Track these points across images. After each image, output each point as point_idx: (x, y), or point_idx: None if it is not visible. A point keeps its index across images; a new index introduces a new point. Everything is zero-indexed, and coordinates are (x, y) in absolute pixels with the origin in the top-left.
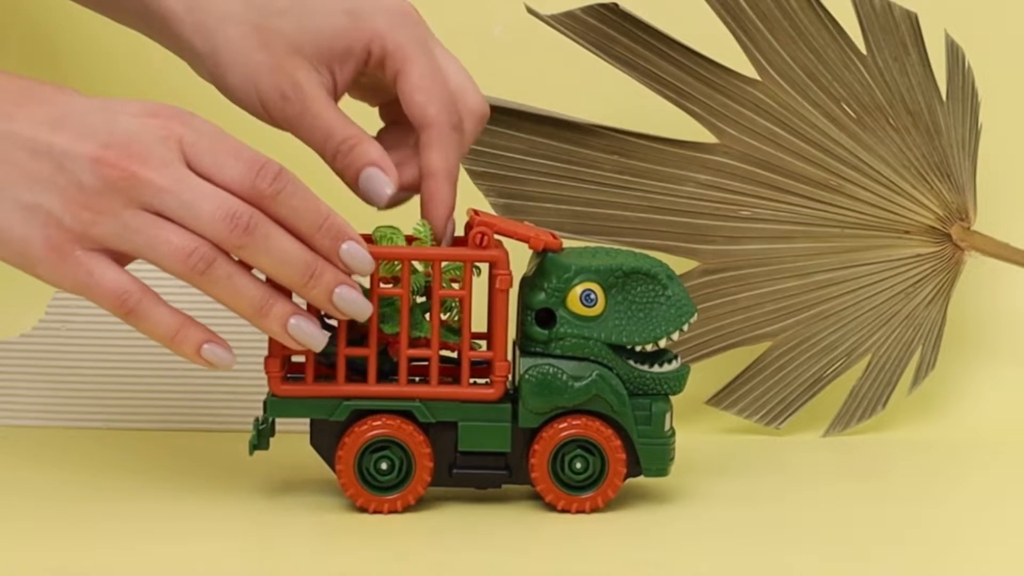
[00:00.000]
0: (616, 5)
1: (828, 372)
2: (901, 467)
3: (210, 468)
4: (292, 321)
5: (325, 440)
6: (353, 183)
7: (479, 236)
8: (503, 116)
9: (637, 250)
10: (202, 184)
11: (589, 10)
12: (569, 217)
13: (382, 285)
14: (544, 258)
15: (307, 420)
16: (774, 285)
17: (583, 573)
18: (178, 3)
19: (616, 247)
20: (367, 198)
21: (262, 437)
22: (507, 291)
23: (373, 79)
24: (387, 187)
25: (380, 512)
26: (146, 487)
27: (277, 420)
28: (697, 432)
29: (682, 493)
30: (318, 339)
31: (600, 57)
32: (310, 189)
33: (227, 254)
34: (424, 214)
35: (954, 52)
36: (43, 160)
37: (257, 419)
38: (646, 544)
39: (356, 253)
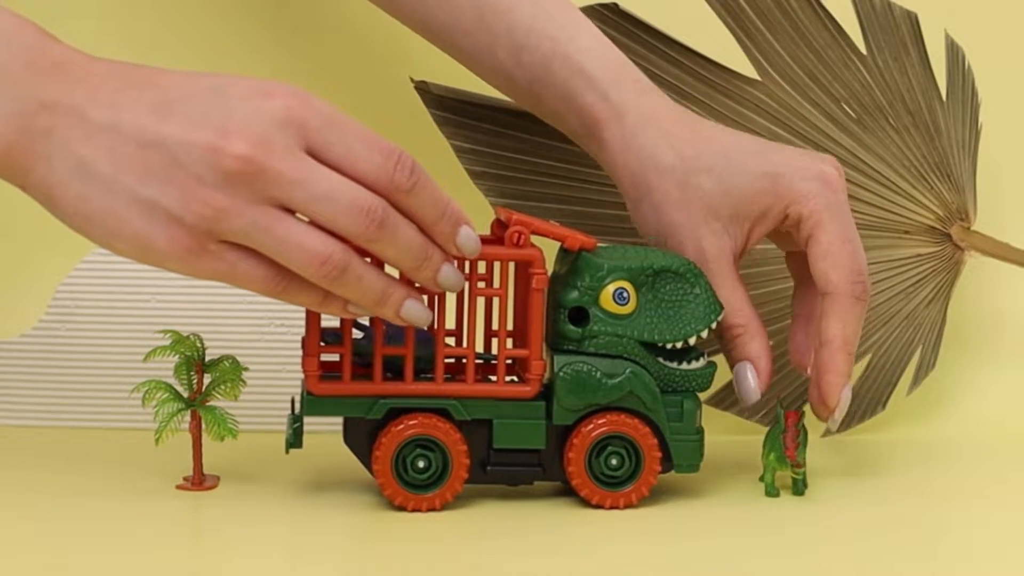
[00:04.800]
0: (616, 5)
1: None
2: (901, 467)
3: (214, 468)
4: (406, 305)
5: (359, 438)
6: (730, 365)
7: (516, 235)
8: (503, 116)
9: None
10: (331, 176)
11: (589, 10)
12: (569, 217)
13: None
14: (577, 257)
15: (326, 419)
16: (774, 285)
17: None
18: (615, 139)
19: (642, 246)
20: (735, 386)
21: (297, 436)
22: (543, 290)
23: (785, 232)
24: (753, 392)
25: (419, 510)
26: (156, 487)
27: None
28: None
29: (681, 493)
30: (426, 316)
31: None
32: (431, 177)
33: (355, 249)
34: (816, 381)
35: (954, 52)
36: (154, 152)
37: (291, 417)
38: (648, 542)
39: (470, 236)
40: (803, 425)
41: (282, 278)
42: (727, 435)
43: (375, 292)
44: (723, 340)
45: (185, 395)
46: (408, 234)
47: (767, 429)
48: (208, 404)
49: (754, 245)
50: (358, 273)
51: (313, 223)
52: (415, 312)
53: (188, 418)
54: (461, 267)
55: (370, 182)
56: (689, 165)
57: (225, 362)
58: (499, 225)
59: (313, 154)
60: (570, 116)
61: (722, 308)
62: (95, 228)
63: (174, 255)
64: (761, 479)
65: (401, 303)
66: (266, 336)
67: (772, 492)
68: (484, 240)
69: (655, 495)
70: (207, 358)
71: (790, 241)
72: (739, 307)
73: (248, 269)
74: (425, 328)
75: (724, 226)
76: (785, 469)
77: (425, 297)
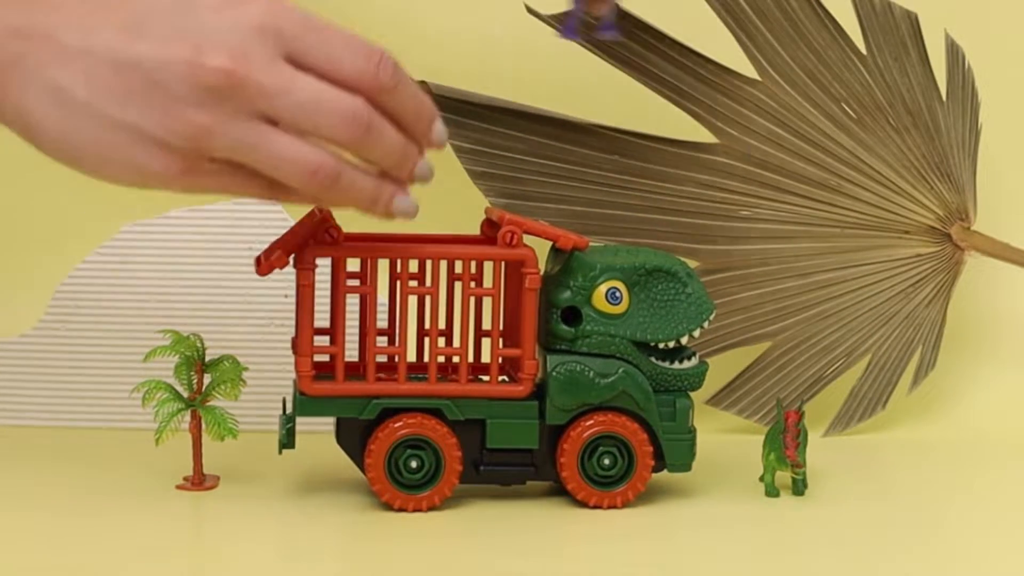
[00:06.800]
0: (616, 5)
1: (828, 372)
2: (901, 467)
3: (214, 468)
4: (396, 201)
5: (351, 439)
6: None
7: (509, 235)
8: (503, 116)
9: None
10: (313, 83)
11: None
12: (569, 217)
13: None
14: (570, 257)
15: (319, 419)
16: (774, 285)
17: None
18: None
19: (635, 245)
20: None
21: (290, 436)
22: (536, 290)
23: None
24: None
25: (418, 510)
26: (156, 487)
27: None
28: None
29: (680, 493)
30: (414, 209)
31: (600, 57)
32: (408, 73)
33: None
34: None
35: (954, 52)
36: (130, 74)
37: (284, 417)
38: (645, 541)
39: (442, 129)
40: (803, 425)
41: (280, 186)
42: (727, 435)
43: (367, 194)
44: None
45: (185, 395)
46: (392, 135)
47: (767, 429)
48: (208, 404)
49: None
50: (350, 179)
51: (299, 132)
52: (405, 205)
53: (188, 418)
54: (452, 265)
55: (354, 84)
56: None
57: (225, 362)
58: (489, 225)
59: (293, 61)
60: None
61: (714, 308)
62: (82, 156)
63: (170, 177)
64: (761, 479)
65: (391, 200)
66: (266, 336)
67: (772, 492)
68: (476, 240)
69: (654, 495)
70: (207, 358)
71: None
72: None
73: (245, 181)
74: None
75: None
76: (785, 469)
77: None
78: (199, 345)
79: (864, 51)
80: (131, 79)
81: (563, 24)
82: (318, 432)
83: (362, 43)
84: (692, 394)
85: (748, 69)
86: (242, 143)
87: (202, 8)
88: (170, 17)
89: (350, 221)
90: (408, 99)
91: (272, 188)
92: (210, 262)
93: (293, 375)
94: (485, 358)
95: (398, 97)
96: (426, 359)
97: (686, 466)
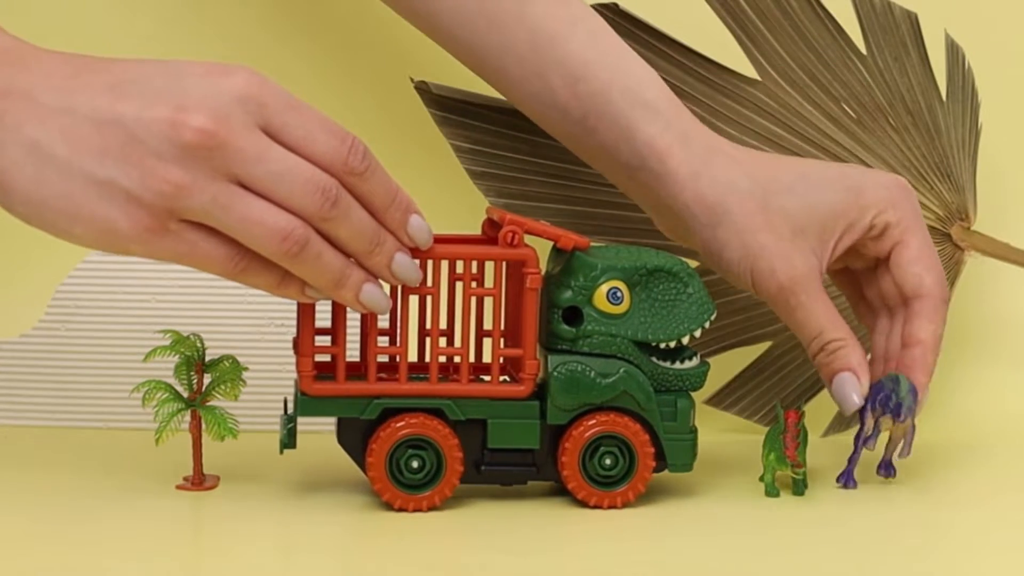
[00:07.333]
0: (616, 5)
1: None
2: (901, 467)
3: (214, 468)
4: (365, 288)
5: (353, 438)
6: (827, 380)
7: (510, 235)
8: (503, 116)
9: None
10: (288, 154)
11: None
12: (569, 217)
13: None
14: (571, 257)
15: (320, 419)
16: None
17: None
18: (683, 167)
19: (636, 245)
20: (836, 399)
21: (291, 436)
22: (538, 290)
23: (854, 248)
24: (855, 402)
25: (419, 510)
26: (156, 487)
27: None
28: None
29: (680, 493)
30: (385, 304)
31: None
32: (382, 165)
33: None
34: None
35: (954, 52)
36: (111, 130)
37: (285, 417)
38: (645, 541)
39: (420, 225)
40: (803, 425)
41: (241, 258)
42: (727, 435)
43: (334, 272)
44: (820, 355)
45: (185, 395)
46: (361, 216)
47: (767, 429)
48: (208, 404)
49: (836, 259)
50: (317, 250)
51: (269, 201)
52: (374, 297)
53: (188, 418)
54: (453, 265)
55: (325, 164)
56: (768, 187)
57: (225, 362)
58: (490, 225)
59: (269, 134)
60: (624, 148)
61: (715, 308)
62: (51, 214)
63: (135, 236)
64: (761, 479)
65: (360, 286)
66: (266, 336)
67: (772, 492)
68: (477, 240)
69: (654, 495)
70: (207, 358)
71: (857, 256)
72: (836, 321)
73: (209, 249)
74: (385, 315)
75: (812, 244)
76: (785, 469)
77: (426, 299)
78: (199, 345)
79: (864, 51)
80: (111, 136)
81: (843, 475)
82: (319, 432)
83: (337, 127)
84: (692, 394)
85: (748, 69)
86: (216, 203)
87: (187, 74)
88: (155, 80)
89: None
90: (378, 186)
91: (234, 259)
92: None
93: (293, 375)
94: (486, 358)
95: (368, 183)
96: (427, 359)
97: (687, 466)
